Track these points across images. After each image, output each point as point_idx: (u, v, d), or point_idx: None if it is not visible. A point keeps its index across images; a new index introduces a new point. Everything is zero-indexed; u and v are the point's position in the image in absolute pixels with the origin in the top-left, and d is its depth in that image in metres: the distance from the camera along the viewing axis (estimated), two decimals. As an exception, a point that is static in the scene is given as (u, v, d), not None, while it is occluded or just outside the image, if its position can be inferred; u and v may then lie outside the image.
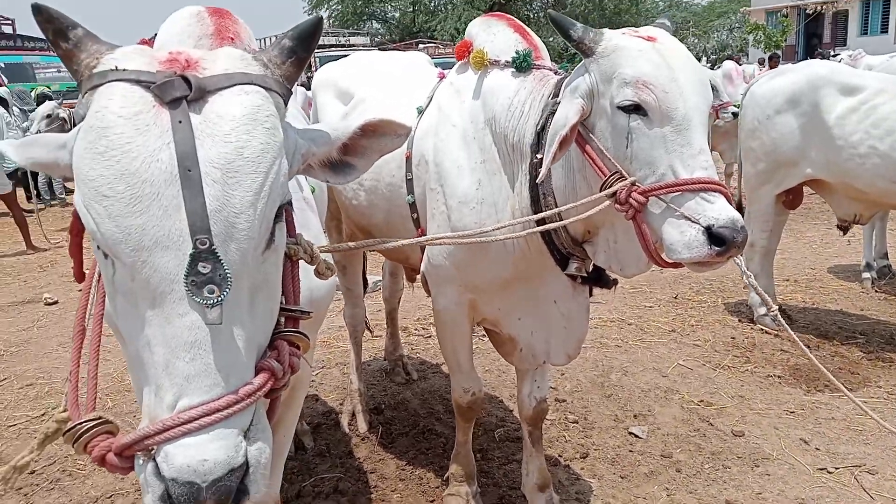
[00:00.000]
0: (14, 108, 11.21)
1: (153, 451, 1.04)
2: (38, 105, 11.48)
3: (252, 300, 1.13)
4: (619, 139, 1.89)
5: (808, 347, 4.49)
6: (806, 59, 12.93)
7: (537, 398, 2.79)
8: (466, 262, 2.44)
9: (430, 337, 4.90)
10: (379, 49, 24.54)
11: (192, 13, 1.64)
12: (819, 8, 25.28)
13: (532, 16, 33.93)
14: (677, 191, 1.80)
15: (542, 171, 1.96)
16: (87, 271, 1.35)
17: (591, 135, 1.97)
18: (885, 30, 25.52)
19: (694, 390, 3.99)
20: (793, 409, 3.74)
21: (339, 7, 34.13)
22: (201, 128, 1.08)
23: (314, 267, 1.41)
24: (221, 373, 1.05)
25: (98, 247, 1.09)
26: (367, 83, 3.12)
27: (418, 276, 2.79)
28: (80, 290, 1.36)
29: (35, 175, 10.46)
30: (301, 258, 1.35)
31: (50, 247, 8.39)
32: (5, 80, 16.16)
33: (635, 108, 1.84)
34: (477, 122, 2.38)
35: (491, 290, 2.51)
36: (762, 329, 4.83)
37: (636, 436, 3.50)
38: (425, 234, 2.56)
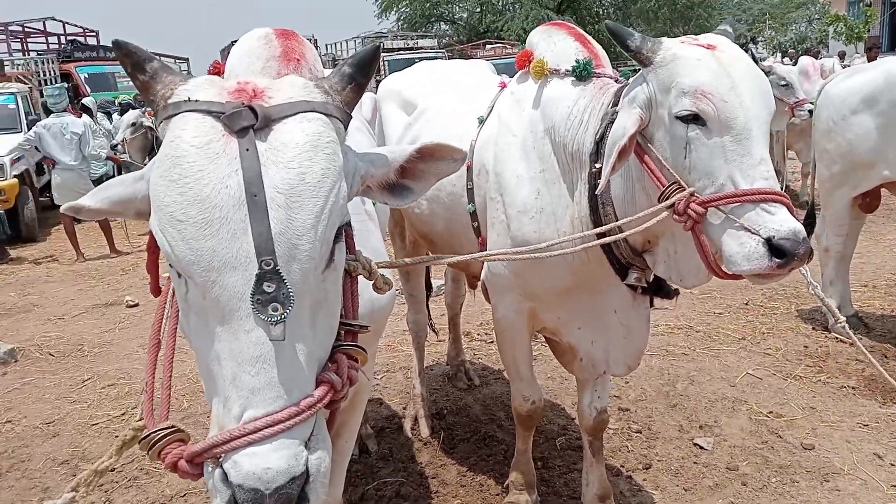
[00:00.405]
0: (98, 114, 11.75)
1: (221, 459, 1.11)
2: (122, 114, 11.99)
3: (313, 316, 1.19)
4: (678, 149, 1.88)
5: (886, 357, 4.33)
6: (893, 50, 12.30)
7: (598, 408, 2.78)
8: (525, 271, 2.46)
9: (492, 342, 4.92)
10: (447, 50, 24.64)
11: (261, 35, 1.72)
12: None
13: (602, 12, 33.46)
14: (737, 201, 1.78)
15: (602, 182, 1.96)
16: (162, 286, 1.44)
17: (649, 145, 1.96)
18: None
19: (763, 401, 3.89)
20: (867, 421, 3.60)
21: (408, 10, 34.47)
22: (267, 155, 1.14)
23: (372, 282, 1.46)
24: (284, 386, 1.11)
25: (171, 265, 1.17)
26: (429, 93, 3.18)
27: (479, 283, 2.82)
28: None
29: (119, 182, 11.01)
30: (360, 274, 1.41)
31: (132, 250, 8.78)
32: (88, 90, 17.00)
33: (694, 118, 1.83)
34: (536, 132, 2.40)
35: (550, 298, 2.52)
36: (837, 337, 4.66)
37: (701, 447, 3.44)
38: (486, 243, 2.60)
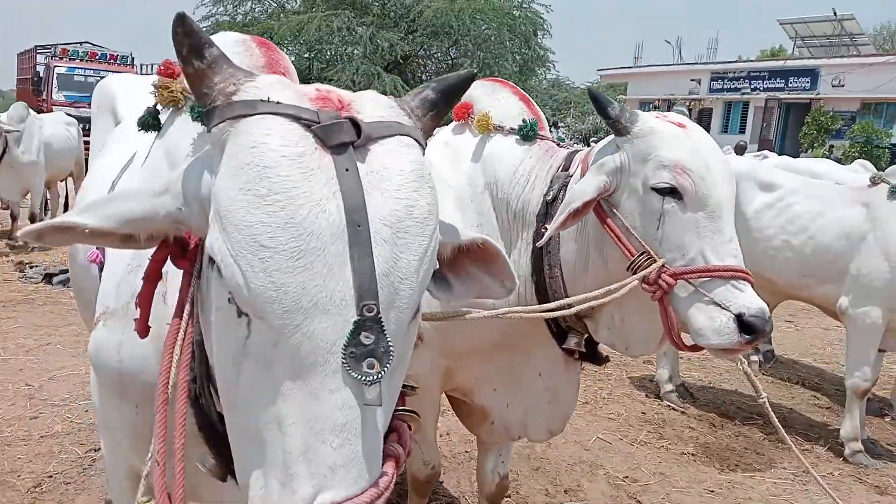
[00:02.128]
0: None
1: None
2: None
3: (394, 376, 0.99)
4: (650, 220, 1.90)
5: (714, 426, 4.70)
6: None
7: (500, 474, 2.71)
8: (450, 329, 2.33)
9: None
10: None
11: (237, 40, 1.51)
12: (687, 104, 27.45)
13: (426, 77, 34.62)
14: (709, 276, 1.82)
15: (545, 236, 1.96)
16: (151, 326, 1.14)
17: (615, 211, 1.97)
18: (742, 130, 28.15)
19: (616, 465, 4.03)
20: (712, 487, 3.85)
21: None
22: (368, 178, 0.95)
23: None
24: (367, 461, 0.90)
25: (237, 302, 0.92)
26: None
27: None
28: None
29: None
30: None
31: None
32: None
33: (670, 191, 1.87)
34: (475, 186, 2.34)
35: (470, 358, 2.42)
36: (668, 405, 4.99)
37: (572, 512, 3.48)
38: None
